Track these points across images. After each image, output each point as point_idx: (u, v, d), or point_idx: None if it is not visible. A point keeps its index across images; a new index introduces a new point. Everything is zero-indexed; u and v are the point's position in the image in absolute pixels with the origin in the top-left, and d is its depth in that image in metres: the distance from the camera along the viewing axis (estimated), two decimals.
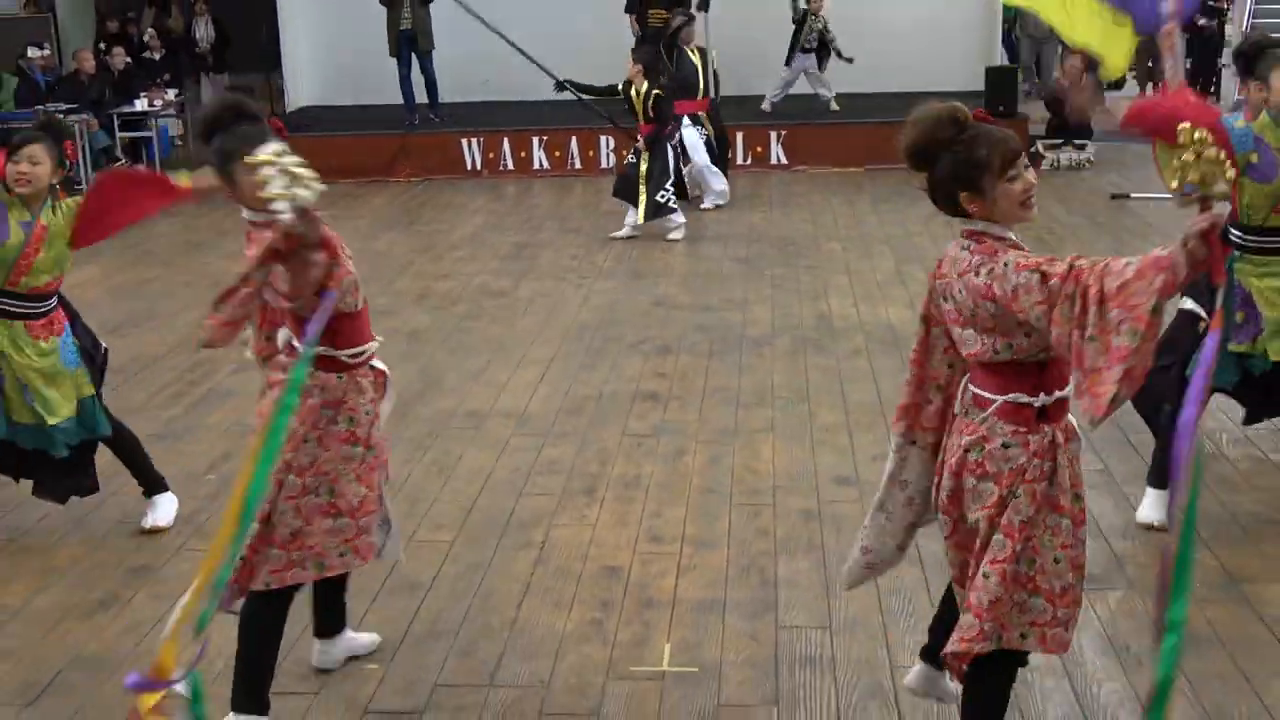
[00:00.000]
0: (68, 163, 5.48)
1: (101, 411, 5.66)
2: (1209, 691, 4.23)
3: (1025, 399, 3.45)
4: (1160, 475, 5.47)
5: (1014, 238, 3.50)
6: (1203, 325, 5.22)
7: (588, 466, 6.31)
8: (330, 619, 4.52)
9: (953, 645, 3.53)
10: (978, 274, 3.37)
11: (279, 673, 4.45)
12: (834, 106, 15.53)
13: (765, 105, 15.75)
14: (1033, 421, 3.46)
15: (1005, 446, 3.45)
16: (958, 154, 3.41)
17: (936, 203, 3.53)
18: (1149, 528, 5.42)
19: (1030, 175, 3.48)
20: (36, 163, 5.27)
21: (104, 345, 5.95)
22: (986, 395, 3.48)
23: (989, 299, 3.35)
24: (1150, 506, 5.47)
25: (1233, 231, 5.29)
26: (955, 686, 3.82)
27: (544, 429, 6.81)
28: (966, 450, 3.49)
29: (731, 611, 4.84)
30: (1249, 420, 5.74)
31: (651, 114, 11.23)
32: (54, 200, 5.44)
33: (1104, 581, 5.00)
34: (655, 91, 11.15)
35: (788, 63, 15.68)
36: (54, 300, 5.60)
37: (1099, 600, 4.84)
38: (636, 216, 11.20)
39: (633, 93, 11.31)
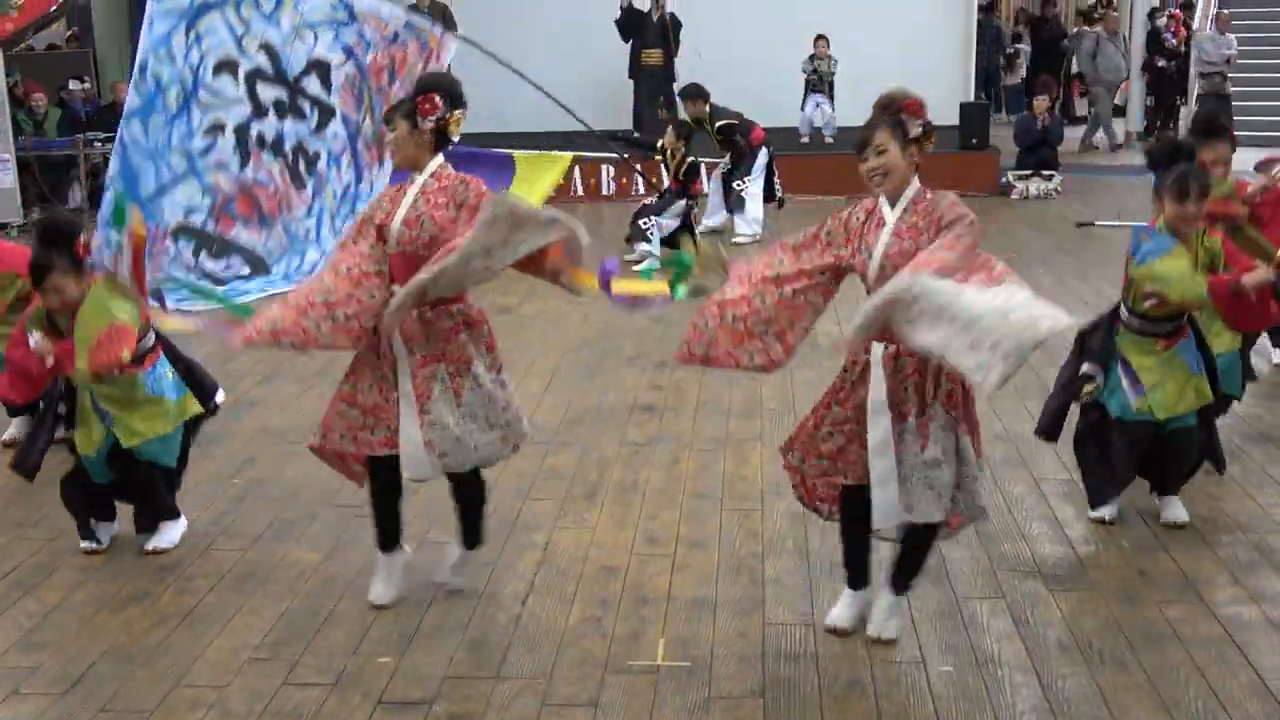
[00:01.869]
0: (85, 260, 5.20)
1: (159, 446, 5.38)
2: (1167, 686, 4.22)
3: None
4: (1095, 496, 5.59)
5: (885, 211, 4.26)
6: (1091, 388, 5.49)
7: (588, 473, 6.29)
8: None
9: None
10: None
11: (297, 664, 4.45)
12: (828, 140, 15.56)
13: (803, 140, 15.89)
14: None
15: None
16: None
17: None
18: (1101, 521, 5.51)
19: (870, 161, 4.22)
20: (61, 289, 5.09)
21: (217, 398, 5.79)
22: None
23: None
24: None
25: (1124, 313, 5.45)
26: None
27: (547, 438, 6.79)
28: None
29: (722, 609, 4.83)
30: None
31: (680, 178, 11.25)
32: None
33: (1068, 583, 4.99)
34: (691, 160, 11.14)
35: (803, 106, 15.79)
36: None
37: (1064, 600, 4.83)
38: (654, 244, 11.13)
39: (668, 156, 11.33)
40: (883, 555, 4.70)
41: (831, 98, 15.80)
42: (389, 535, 4.92)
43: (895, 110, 4.23)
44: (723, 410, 7.17)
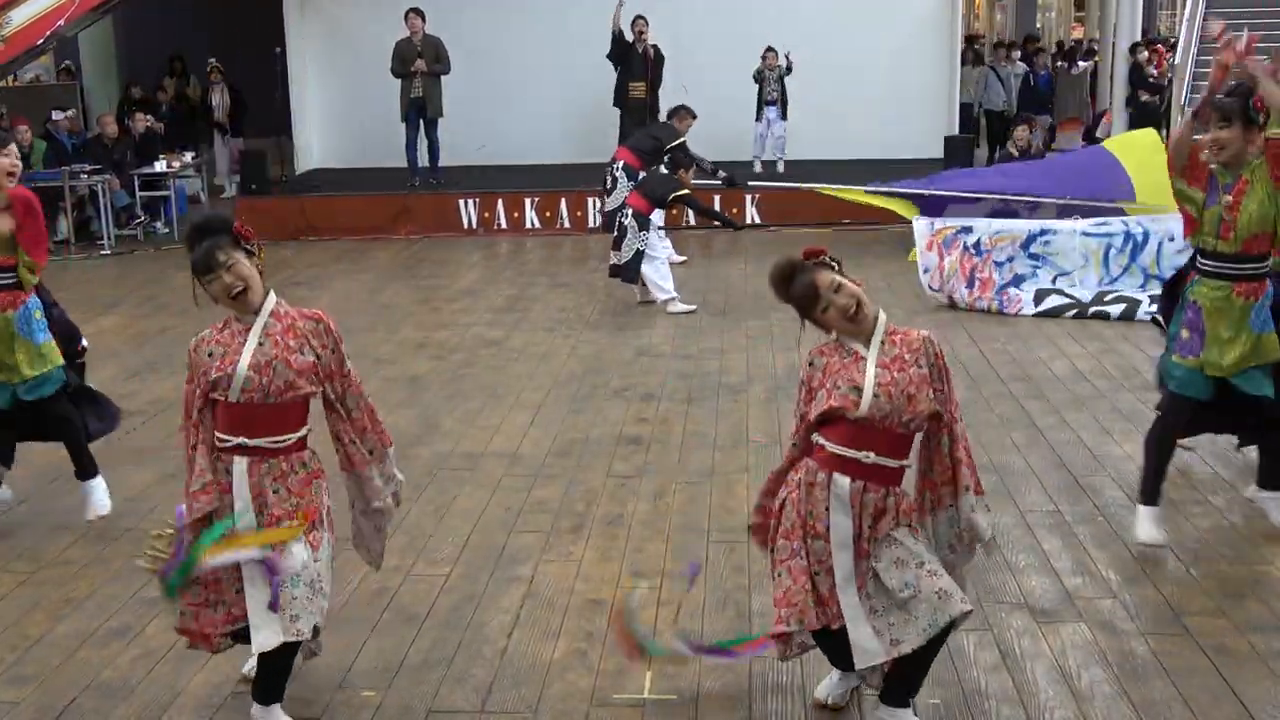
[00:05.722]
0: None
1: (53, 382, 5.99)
2: (1154, 719, 4.22)
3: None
4: (1150, 494, 5.59)
5: (858, 347, 4.04)
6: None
7: (574, 505, 6.28)
8: None
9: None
10: None
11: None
12: (780, 169, 15.61)
13: (757, 167, 15.90)
14: None
15: None
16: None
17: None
18: (1149, 546, 5.53)
19: (841, 299, 3.98)
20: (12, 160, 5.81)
21: (84, 341, 6.41)
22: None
23: None
24: (1145, 523, 5.57)
25: (1198, 259, 5.40)
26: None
27: (534, 470, 6.79)
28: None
29: (709, 641, 4.80)
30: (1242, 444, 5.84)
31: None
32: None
33: (1055, 616, 4.99)
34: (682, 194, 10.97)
35: (757, 118, 15.84)
36: (8, 278, 5.86)
37: (1051, 633, 4.83)
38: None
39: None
40: None
41: (785, 113, 15.86)
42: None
43: (815, 267, 4.05)
44: (709, 443, 7.17)
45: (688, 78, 15.58)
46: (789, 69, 15.75)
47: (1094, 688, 4.43)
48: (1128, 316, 9.71)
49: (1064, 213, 11.41)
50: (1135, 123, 19.01)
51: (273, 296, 4.16)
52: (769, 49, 15.78)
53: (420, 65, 14.86)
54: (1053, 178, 12.07)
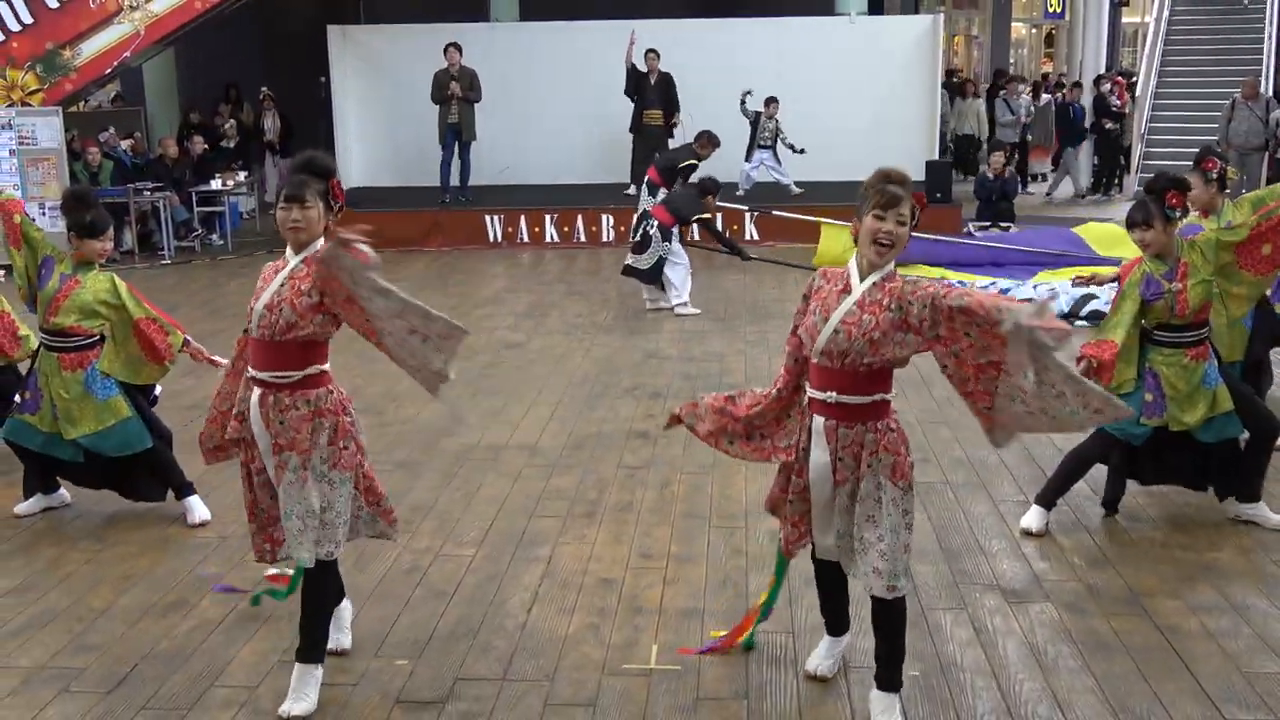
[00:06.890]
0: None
1: (140, 430, 5.84)
2: (1114, 691, 4.20)
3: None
4: (1047, 499, 5.70)
5: (854, 280, 3.81)
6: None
7: (588, 493, 6.27)
8: None
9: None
10: None
11: (322, 666, 4.41)
12: (795, 190, 15.55)
13: (739, 193, 15.77)
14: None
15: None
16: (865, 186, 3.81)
17: None
18: (1027, 533, 5.61)
19: (890, 224, 3.72)
20: (109, 244, 5.81)
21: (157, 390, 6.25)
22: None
23: None
24: (1032, 516, 5.67)
25: (1153, 331, 5.49)
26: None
27: (552, 461, 6.79)
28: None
29: (709, 618, 4.80)
30: (1145, 482, 5.83)
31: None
32: (96, 269, 5.80)
33: (1025, 596, 4.97)
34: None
35: (748, 158, 15.70)
36: (82, 341, 5.78)
37: (1021, 612, 4.81)
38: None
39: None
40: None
41: (778, 156, 15.70)
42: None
43: (909, 191, 3.79)
44: None
45: (689, 107, 15.55)
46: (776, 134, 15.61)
47: (1059, 662, 4.42)
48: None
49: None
50: (1099, 148, 18.95)
51: (317, 244, 4.02)
52: (772, 99, 15.58)
53: (456, 90, 14.87)
54: (1024, 243, 12.31)
